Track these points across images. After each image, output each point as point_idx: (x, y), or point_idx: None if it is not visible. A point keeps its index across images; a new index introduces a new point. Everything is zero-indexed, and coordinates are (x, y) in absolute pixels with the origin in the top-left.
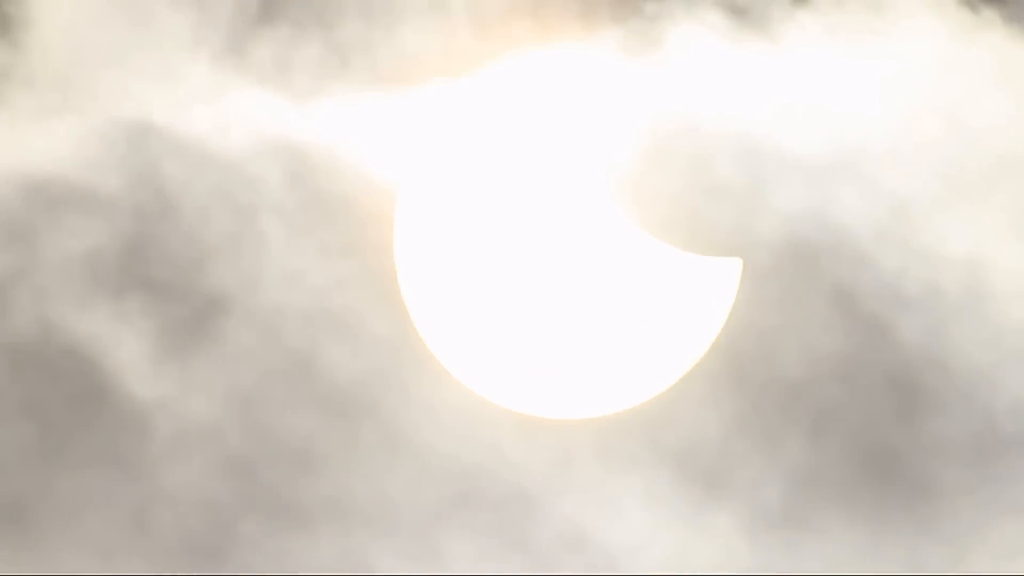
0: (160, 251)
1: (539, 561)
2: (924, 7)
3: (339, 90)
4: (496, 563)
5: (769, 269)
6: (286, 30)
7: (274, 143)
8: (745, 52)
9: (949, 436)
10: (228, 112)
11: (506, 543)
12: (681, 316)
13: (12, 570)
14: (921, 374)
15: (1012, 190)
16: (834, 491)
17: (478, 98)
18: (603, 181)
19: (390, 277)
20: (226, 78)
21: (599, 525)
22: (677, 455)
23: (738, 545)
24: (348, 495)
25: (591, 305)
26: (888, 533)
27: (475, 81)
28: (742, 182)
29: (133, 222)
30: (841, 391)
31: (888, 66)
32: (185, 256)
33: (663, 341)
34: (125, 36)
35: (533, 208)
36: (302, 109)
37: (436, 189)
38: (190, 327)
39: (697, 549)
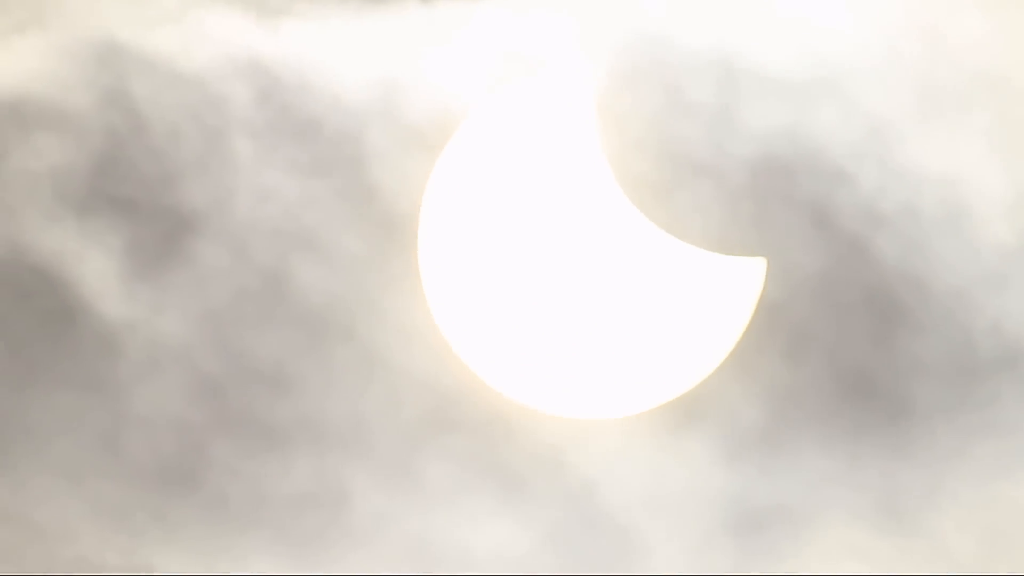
0: (129, 169)
1: (516, 484)
2: None
3: (309, 7)
4: (473, 486)
5: (744, 187)
6: None
7: (244, 61)
8: None
9: (927, 357)
10: (197, 30)
11: (483, 466)
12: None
13: None
14: (899, 294)
15: (991, 109)
16: (810, 412)
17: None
18: (577, 101)
19: (362, 195)
20: None
21: (576, 450)
22: None
23: (713, 468)
24: (322, 417)
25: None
26: (865, 455)
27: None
28: (717, 100)
29: (101, 140)
30: (817, 311)
31: None
32: (154, 174)
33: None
34: None
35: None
36: (272, 26)
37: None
38: (160, 246)
39: (672, 473)
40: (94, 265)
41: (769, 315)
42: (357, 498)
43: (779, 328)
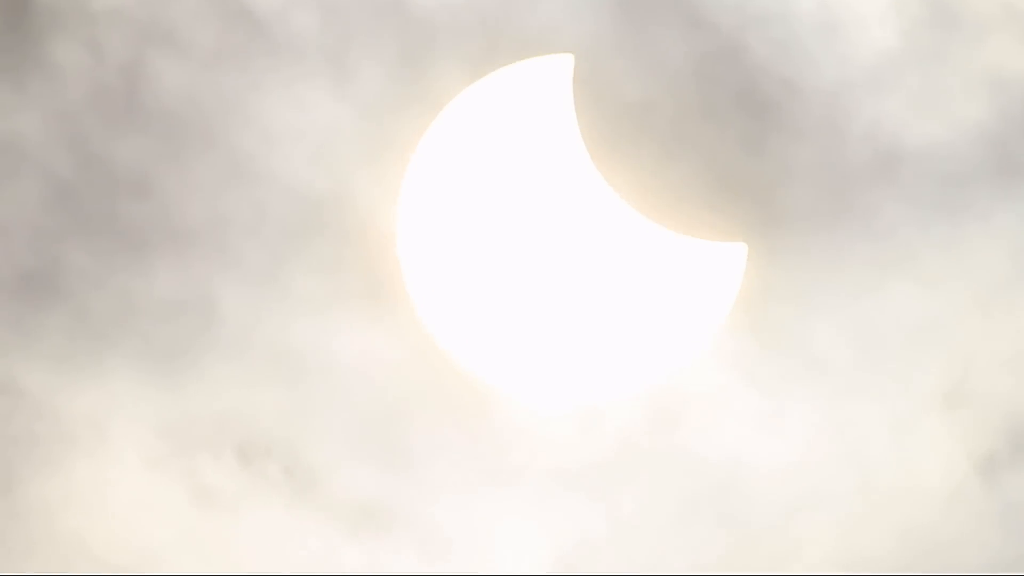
0: None
1: (386, 294)
2: None
3: None
4: (342, 296)
5: None
6: None
7: None
8: None
9: (800, 162)
10: None
11: (350, 274)
12: None
13: None
14: (772, 97)
15: None
16: (685, 217)
17: None
18: None
19: None
20: None
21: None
22: None
23: None
24: (185, 224)
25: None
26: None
27: None
28: None
29: None
30: (689, 113)
31: None
32: None
33: None
34: None
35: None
36: None
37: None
38: (10, 44)
39: None
40: None
41: (637, 117)
42: (223, 308)
43: (647, 129)
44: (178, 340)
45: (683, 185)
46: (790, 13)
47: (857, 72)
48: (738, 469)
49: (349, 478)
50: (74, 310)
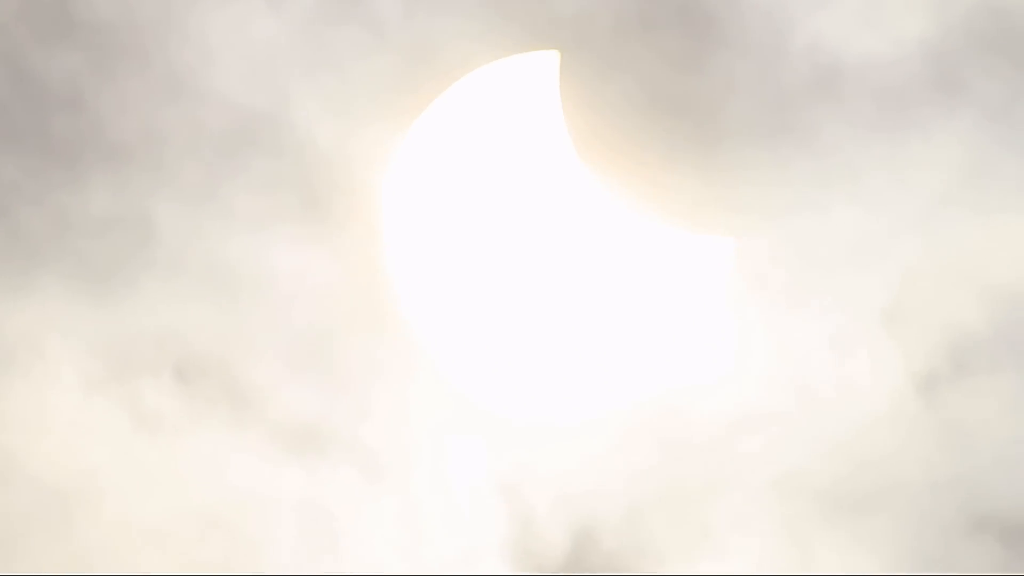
0: None
1: (322, 211)
2: None
3: None
4: (278, 211)
5: None
6: None
7: None
8: None
9: (742, 78)
10: None
11: (288, 192)
12: None
13: None
14: (713, 12)
15: None
16: (623, 133)
17: None
18: None
19: None
20: None
21: (381, 178)
22: None
23: None
24: (120, 140)
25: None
26: (678, 180)
27: None
28: None
29: None
30: (628, 28)
31: None
32: None
33: None
34: None
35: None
36: None
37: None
38: None
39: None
40: None
41: (577, 36)
42: (159, 225)
43: (586, 48)
44: (114, 257)
45: (622, 101)
46: None
47: None
48: (676, 387)
49: (287, 399)
50: (6, 227)
